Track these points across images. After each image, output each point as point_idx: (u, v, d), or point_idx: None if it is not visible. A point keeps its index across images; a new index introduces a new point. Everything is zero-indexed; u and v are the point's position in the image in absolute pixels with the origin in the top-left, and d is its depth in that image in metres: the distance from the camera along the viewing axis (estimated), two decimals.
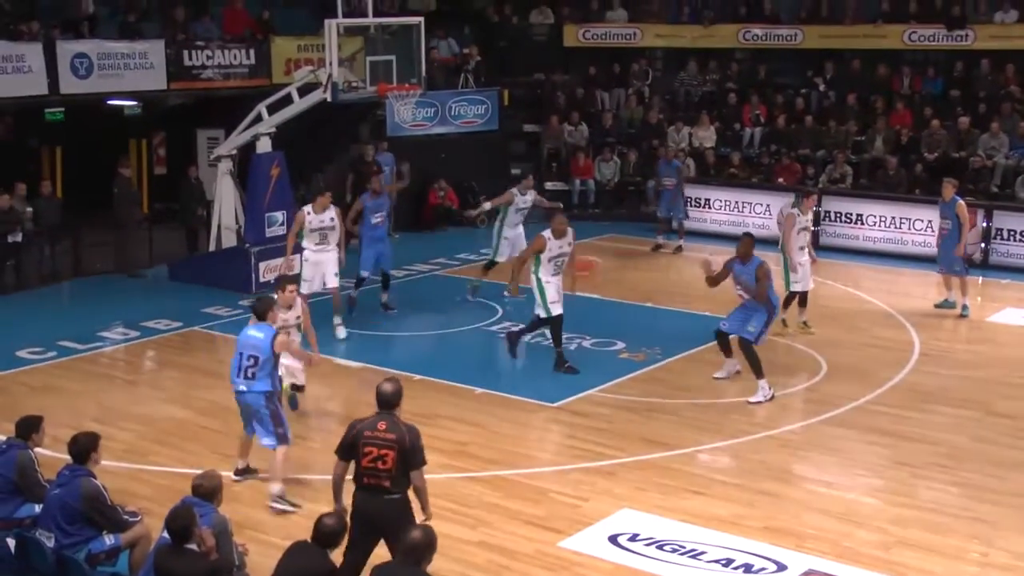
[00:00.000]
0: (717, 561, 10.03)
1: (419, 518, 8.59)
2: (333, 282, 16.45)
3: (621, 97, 28.33)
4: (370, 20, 19.41)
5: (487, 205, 19.46)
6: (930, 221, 21.53)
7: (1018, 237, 21.21)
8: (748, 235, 14.62)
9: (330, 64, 18.47)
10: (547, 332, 15.31)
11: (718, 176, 25.32)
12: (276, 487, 10.99)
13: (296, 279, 13.14)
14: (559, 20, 28.97)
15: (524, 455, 12.39)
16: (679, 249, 22.75)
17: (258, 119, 19.49)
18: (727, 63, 28.58)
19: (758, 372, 14.09)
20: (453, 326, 17.36)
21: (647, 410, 13.84)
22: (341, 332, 16.48)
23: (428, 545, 7.49)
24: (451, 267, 21.28)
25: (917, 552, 10.27)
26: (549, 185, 26.08)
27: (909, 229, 22.02)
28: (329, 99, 18.64)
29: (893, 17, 26.79)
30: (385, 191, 18.60)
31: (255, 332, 11.09)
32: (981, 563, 10.14)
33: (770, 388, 14.10)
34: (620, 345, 16.20)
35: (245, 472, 11.54)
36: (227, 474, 10.60)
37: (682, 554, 10.16)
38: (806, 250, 16.87)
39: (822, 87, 27.02)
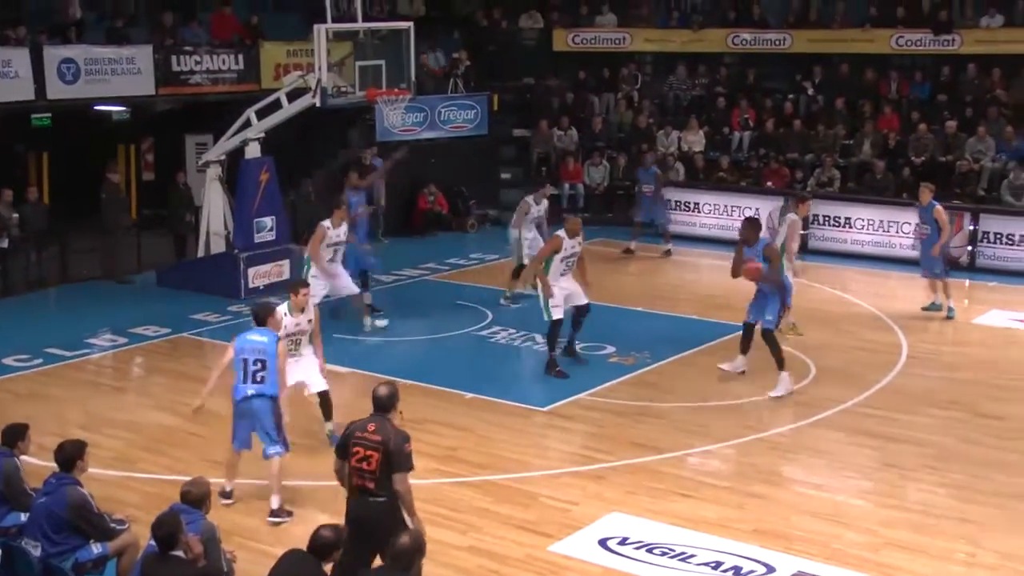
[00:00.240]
0: (707, 564, 10.04)
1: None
2: (354, 288, 16.70)
3: (611, 101, 28.36)
4: (359, 25, 19.43)
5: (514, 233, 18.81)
6: (917, 225, 21.64)
7: (1004, 240, 21.27)
8: (750, 218, 14.71)
9: (319, 69, 18.47)
10: (536, 336, 15.31)
11: (707, 180, 25.33)
12: (277, 500, 10.92)
13: (306, 283, 12.90)
14: (548, 25, 29.00)
15: (514, 459, 12.39)
16: (668, 253, 22.78)
17: (247, 124, 19.48)
18: (716, 67, 28.62)
19: (780, 364, 14.31)
20: (442, 331, 17.35)
21: (636, 414, 13.85)
22: (381, 322, 17.17)
23: (416, 550, 7.48)
24: (440, 272, 21.28)
25: (905, 553, 10.30)
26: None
27: (897, 232, 22.07)
28: (318, 104, 18.64)
29: (881, 22, 26.87)
30: (363, 187, 18.58)
31: (258, 336, 11.02)
32: (968, 563, 10.17)
33: (792, 382, 14.23)
34: (610, 349, 16.21)
35: (232, 495, 11.25)
36: (216, 481, 10.56)
37: (672, 557, 10.17)
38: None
39: (810, 91, 27.08)
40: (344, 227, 16.30)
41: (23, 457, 9.69)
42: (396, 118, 21.66)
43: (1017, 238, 21.15)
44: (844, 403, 14.13)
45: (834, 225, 22.86)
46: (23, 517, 9.24)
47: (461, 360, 16.09)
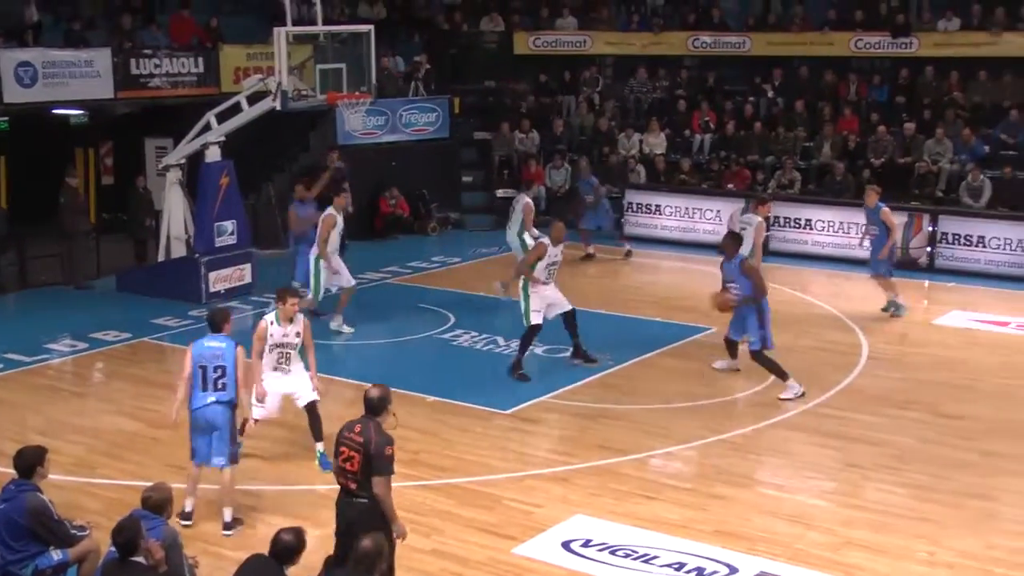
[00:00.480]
0: (670, 565, 10.07)
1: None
2: (352, 280, 17.20)
3: (572, 104, 28.42)
4: (319, 28, 19.37)
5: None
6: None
7: (963, 241, 21.44)
8: (731, 233, 15.19)
9: (279, 72, 18.40)
10: (499, 339, 15.32)
11: (668, 182, 25.43)
12: (229, 513, 10.73)
13: (297, 292, 12.60)
14: (509, 28, 29.04)
15: (477, 463, 12.39)
16: (628, 254, 22.83)
17: (207, 128, 19.38)
18: (676, 70, 28.77)
19: (782, 376, 14.42)
20: (404, 334, 17.33)
21: (599, 416, 13.88)
22: (345, 328, 17.23)
23: (379, 553, 7.47)
24: (403, 275, 21.24)
25: (866, 553, 10.36)
26: (500, 192, 26.16)
27: (857, 234, 22.07)
28: (278, 107, 18.58)
29: (839, 25, 27.11)
30: (311, 196, 18.63)
31: (216, 343, 10.78)
32: (929, 562, 10.25)
33: (800, 386, 14.34)
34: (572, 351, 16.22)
35: (192, 516, 10.85)
36: (177, 486, 10.48)
37: (635, 559, 10.19)
38: None
39: (770, 94, 27.26)
40: (341, 216, 16.88)
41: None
42: (357, 121, 21.59)
43: (976, 239, 21.33)
44: (805, 404, 14.20)
45: (794, 227, 22.98)
46: None
47: (423, 363, 16.06)
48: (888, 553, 10.36)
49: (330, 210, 16.88)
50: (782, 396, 14.36)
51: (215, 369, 10.66)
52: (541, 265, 15.08)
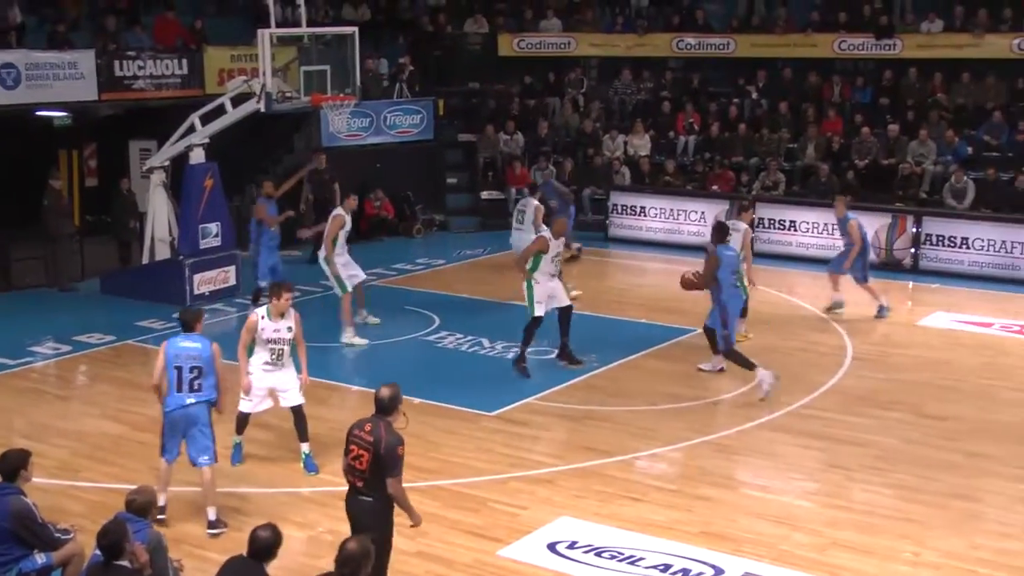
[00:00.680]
0: (655, 567, 10.08)
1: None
2: (362, 274, 17.34)
3: (556, 106, 28.43)
4: (304, 30, 19.33)
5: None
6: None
7: (946, 242, 21.52)
8: (719, 222, 15.66)
9: (264, 74, 18.37)
10: (484, 341, 15.34)
11: (653, 184, 25.46)
12: (213, 512, 10.73)
13: (291, 287, 12.29)
14: (494, 30, 29.01)
15: (462, 464, 12.38)
16: (578, 251, 22.58)
17: (191, 130, 19.33)
18: (661, 72, 28.81)
19: (748, 367, 14.53)
20: (390, 336, 17.31)
21: (585, 417, 13.89)
22: (372, 319, 17.59)
23: (364, 555, 7.46)
24: (388, 277, 21.22)
25: (851, 553, 10.39)
26: (485, 194, 26.19)
27: (841, 235, 22.24)
28: (263, 109, 18.54)
29: (823, 26, 27.17)
30: (276, 195, 18.60)
31: (191, 343, 10.73)
32: (913, 563, 10.28)
33: (769, 373, 14.41)
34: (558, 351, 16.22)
35: (165, 510, 10.79)
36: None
37: (620, 561, 10.20)
38: None
39: (754, 95, 27.31)
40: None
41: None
42: (341, 123, 21.56)
43: (959, 240, 21.40)
44: (790, 405, 14.24)
45: (779, 228, 23.03)
46: None
47: (408, 365, 16.06)
48: (873, 554, 10.39)
49: (339, 210, 16.87)
50: (760, 395, 14.41)
51: (191, 370, 10.62)
52: (546, 258, 15.26)
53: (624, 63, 28.71)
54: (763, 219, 23.01)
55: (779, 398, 14.41)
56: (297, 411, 12.09)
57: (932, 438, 13.27)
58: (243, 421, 12.22)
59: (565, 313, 15.71)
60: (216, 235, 19.40)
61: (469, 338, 17.04)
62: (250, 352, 11.98)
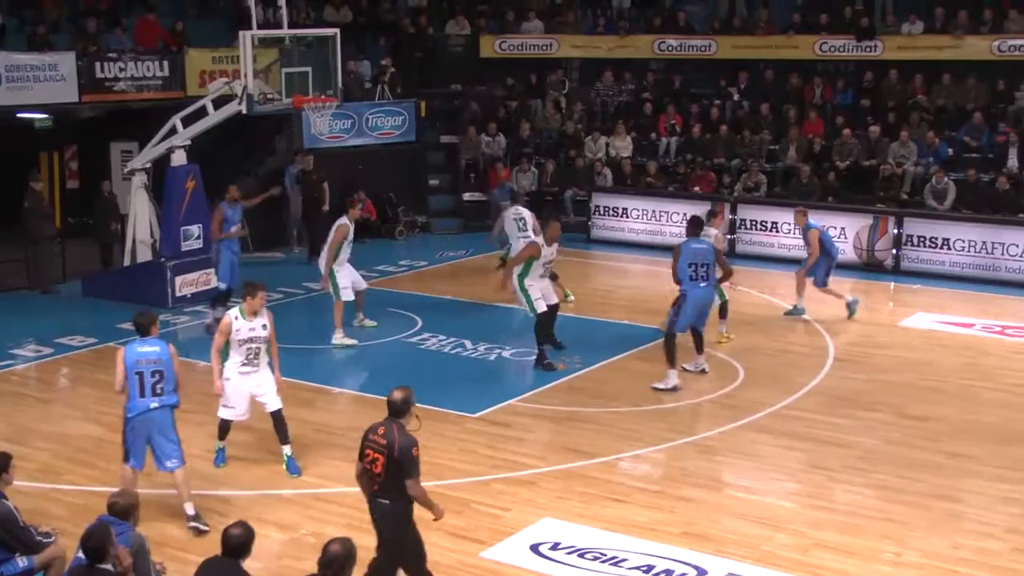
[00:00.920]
0: (638, 568, 10.09)
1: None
2: (363, 283, 17.50)
3: (538, 107, 28.44)
4: (285, 32, 19.32)
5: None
6: (843, 228, 21.95)
7: (928, 243, 21.60)
8: (694, 216, 15.85)
9: (245, 76, 18.34)
10: (467, 342, 15.37)
11: (635, 185, 25.49)
12: (191, 507, 10.76)
13: (263, 285, 12.20)
14: (475, 31, 29.01)
15: (445, 466, 12.36)
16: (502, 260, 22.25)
17: (173, 132, 19.29)
18: (642, 73, 28.84)
19: (669, 362, 14.63)
20: (373, 338, 17.29)
21: (567, 419, 13.90)
22: (368, 322, 17.64)
23: (348, 557, 7.47)
24: (370, 279, 21.05)
25: (834, 554, 10.42)
26: (467, 196, 26.17)
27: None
28: (244, 111, 18.51)
29: (804, 28, 27.23)
30: (241, 201, 18.36)
31: (149, 347, 10.75)
32: (895, 563, 10.31)
33: (676, 382, 14.58)
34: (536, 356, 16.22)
35: None
36: (143, 492, 10.45)
37: (603, 562, 10.21)
38: None
39: (736, 97, 27.36)
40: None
41: None
42: (323, 125, 21.55)
43: (940, 241, 21.48)
44: (772, 406, 14.27)
45: (761, 229, 23.09)
46: None
47: (391, 367, 16.03)
48: (855, 554, 10.42)
49: (344, 219, 16.86)
50: (655, 384, 14.62)
51: (153, 374, 10.62)
52: (537, 264, 15.47)
53: (606, 64, 28.72)
54: (745, 220, 23.08)
55: (762, 398, 14.46)
56: (276, 415, 12.08)
57: (914, 439, 13.32)
58: (225, 428, 12.21)
59: (552, 309, 15.85)
60: (198, 237, 19.33)
61: (452, 340, 17.03)
62: (225, 355, 11.97)
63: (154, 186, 19.99)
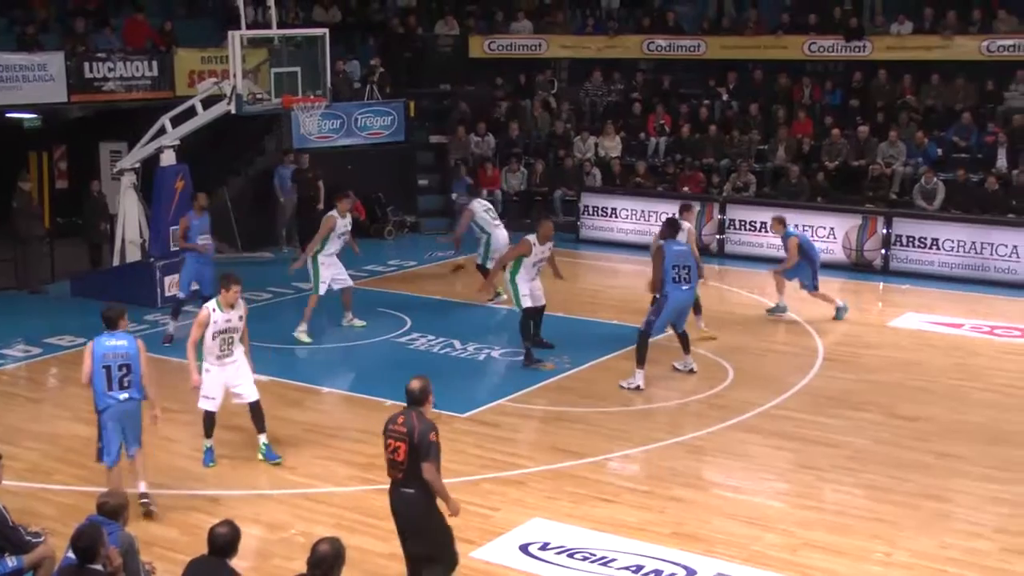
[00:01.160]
0: (628, 568, 10.10)
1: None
2: (349, 280, 17.48)
3: (527, 107, 28.44)
4: (274, 32, 19.31)
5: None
6: (832, 228, 21.98)
7: (916, 243, 21.62)
8: (670, 218, 16.01)
9: (234, 76, 18.33)
10: (456, 342, 15.38)
11: (624, 185, 25.51)
12: (144, 485, 10.94)
13: (239, 279, 12.19)
14: (464, 31, 29.00)
15: None
16: (458, 268, 21.86)
17: (161, 132, 19.27)
18: (632, 73, 28.86)
19: (638, 361, 14.74)
20: (361, 338, 17.28)
21: (556, 419, 13.91)
22: (357, 321, 17.65)
23: (336, 556, 7.47)
24: (359, 279, 21.07)
25: (823, 554, 10.43)
26: (455, 196, 26.11)
27: (811, 236, 22.23)
28: (233, 111, 18.51)
29: (793, 28, 27.27)
30: (207, 210, 17.62)
31: (117, 341, 10.86)
32: (884, 563, 10.32)
33: (642, 380, 14.68)
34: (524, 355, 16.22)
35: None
36: (133, 491, 10.45)
37: (593, 562, 10.21)
38: None
39: (725, 97, 27.39)
40: (348, 217, 17.14)
41: None
42: (312, 125, 21.53)
43: (929, 241, 21.51)
44: (761, 406, 14.28)
45: (749, 230, 23.11)
46: None
47: (380, 367, 16.02)
48: (844, 554, 10.43)
49: (332, 212, 16.99)
50: (622, 382, 14.74)
51: (120, 368, 10.74)
52: (528, 262, 15.50)
53: (595, 65, 28.73)
54: (734, 220, 23.11)
55: (750, 398, 14.47)
56: (254, 405, 12.25)
57: (903, 439, 13.34)
58: (210, 422, 12.25)
59: (540, 310, 15.92)
60: None
61: (441, 340, 17.03)
62: (200, 356, 12.09)
63: (143, 186, 19.95)
